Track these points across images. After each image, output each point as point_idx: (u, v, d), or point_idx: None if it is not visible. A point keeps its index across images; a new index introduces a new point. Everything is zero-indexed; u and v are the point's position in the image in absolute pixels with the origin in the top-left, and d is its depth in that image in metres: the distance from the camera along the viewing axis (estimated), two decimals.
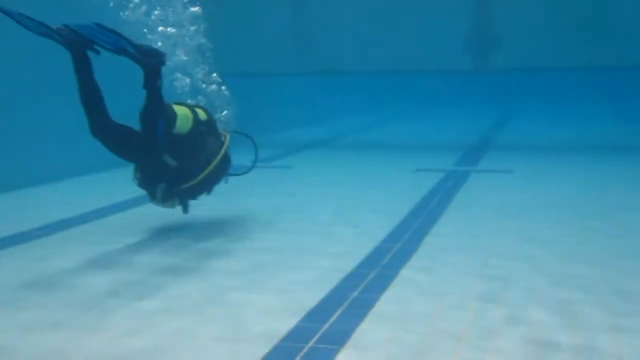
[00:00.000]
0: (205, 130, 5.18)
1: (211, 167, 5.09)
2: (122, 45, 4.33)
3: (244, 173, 5.87)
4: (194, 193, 5.18)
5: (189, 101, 5.53)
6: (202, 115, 5.24)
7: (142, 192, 5.14)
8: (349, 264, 4.33)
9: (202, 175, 5.03)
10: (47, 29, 4.24)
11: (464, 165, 8.67)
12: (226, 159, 5.36)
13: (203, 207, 5.63)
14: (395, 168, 8.55)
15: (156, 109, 4.62)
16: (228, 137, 5.41)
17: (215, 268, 4.38)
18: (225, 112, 5.73)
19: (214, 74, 5.79)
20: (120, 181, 6.11)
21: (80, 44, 4.32)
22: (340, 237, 5.08)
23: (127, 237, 5.20)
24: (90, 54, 4.40)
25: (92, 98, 4.43)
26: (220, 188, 5.47)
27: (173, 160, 4.91)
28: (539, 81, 17.84)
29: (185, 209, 5.24)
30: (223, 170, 5.35)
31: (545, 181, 7.41)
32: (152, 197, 5.05)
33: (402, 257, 4.47)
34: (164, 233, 5.34)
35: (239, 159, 5.75)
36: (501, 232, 5.13)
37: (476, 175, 7.83)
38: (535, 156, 9.53)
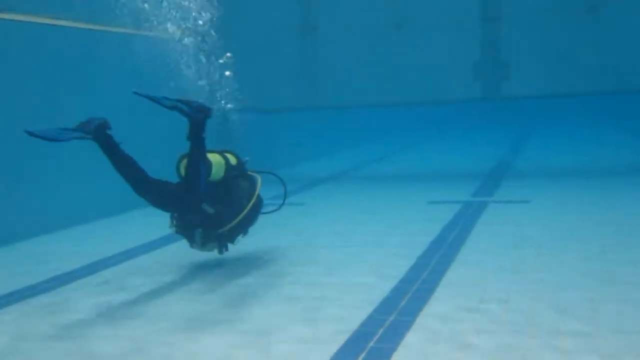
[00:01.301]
0: (237, 174, 5.35)
1: (246, 210, 5.21)
2: (178, 105, 4.75)
3: (273, 211, 5.91)
4: (232, 236, 5.30)
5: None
6: (232, 159, 5.39)
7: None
8: (366, 309, 4.20)
9: (238, 219, 5.14)
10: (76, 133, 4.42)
11: (480, 196, 8.56)
12: (259, 201, 5.49)
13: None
14: (409, 200, 8.49)
15: (199, 159, 4.89)
16: (259, 179, 5.51)
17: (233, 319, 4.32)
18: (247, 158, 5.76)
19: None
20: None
21: (100, 128, 4.47)
22: (358, 280, 4.95)
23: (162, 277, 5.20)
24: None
25: (126, 168, 4.65)
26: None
27: (211, 208, 5.02)
28: (550, 107, 17.72)
29: (221, 251, 5.31)
30: (257, 211, 5.48)
31: (563, 210, 7.31)
32: (191, 241, 5.16)
33: (421, 299, 4.36)
34: (189, 276, 5.31)
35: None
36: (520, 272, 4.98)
37: (493, 206, 7.71)
38: (552, 183, 9.43)
